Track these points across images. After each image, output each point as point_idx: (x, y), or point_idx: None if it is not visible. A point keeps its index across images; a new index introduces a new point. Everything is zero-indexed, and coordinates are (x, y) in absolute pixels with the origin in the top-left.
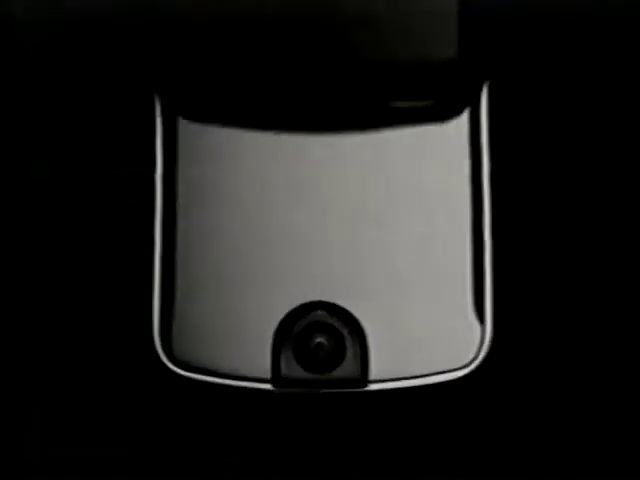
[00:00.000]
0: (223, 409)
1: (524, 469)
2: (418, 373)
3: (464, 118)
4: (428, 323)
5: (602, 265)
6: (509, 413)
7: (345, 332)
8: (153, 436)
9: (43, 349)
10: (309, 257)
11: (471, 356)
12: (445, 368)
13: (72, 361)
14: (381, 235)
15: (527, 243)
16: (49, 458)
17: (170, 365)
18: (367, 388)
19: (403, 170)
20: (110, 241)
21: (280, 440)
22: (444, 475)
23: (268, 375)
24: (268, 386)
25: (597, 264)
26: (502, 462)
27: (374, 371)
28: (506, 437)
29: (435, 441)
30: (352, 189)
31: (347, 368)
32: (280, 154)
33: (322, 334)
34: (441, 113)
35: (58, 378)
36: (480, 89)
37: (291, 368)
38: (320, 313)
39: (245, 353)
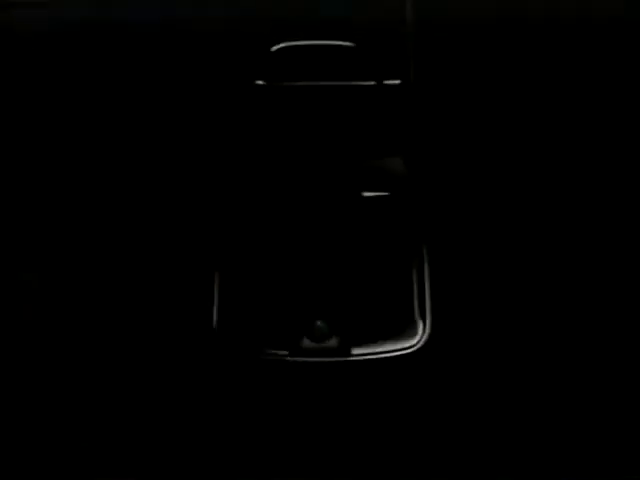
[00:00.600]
0: (254, 376)
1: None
2: (380, 350)
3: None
4: (388, 321)
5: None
6: (445, 379)
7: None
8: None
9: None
10: (315, 281)
11: (415, 341)
12: (397, 347)
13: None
14: (361, 269)
15: (459, 268)
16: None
17: (227, 346)
18: (348, 358)
19: (374, 232)
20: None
21: (291, 390)
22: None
23: (286, 350)
24: (286, 357)
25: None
26: (431, 418)
27: (353, 348)
28: (440, 399)
29: (389, 395)
30: (339, 247)
31: (334, 343)
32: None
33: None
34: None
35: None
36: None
37: (301, 343)
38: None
39: (272, 337)
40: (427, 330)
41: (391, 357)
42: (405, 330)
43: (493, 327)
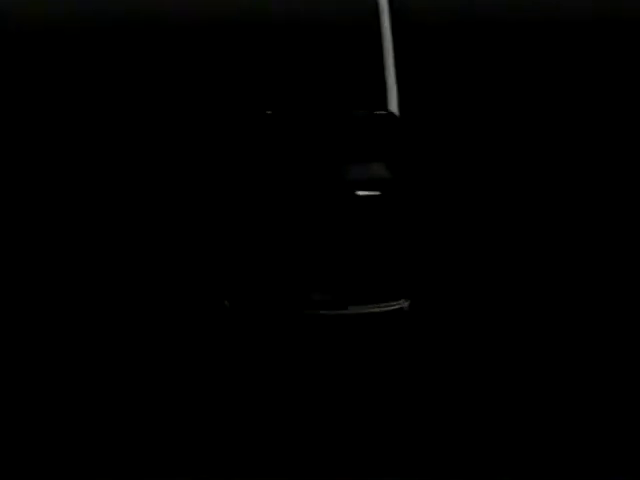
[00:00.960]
0: (267, 332)
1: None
2: (370, 307)
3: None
4: (378, 287)
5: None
6: (423, 334)
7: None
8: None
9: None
10: (321, 256)
11: (400, 302)
12: (384, 304)
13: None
14: (358, 248)
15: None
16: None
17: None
18: (346, 311)
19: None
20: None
21: (301, 339)
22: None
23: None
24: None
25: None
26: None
27: (350, 305)
28: (421, 350)
29: (378, 343)
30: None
31: (333, 300)
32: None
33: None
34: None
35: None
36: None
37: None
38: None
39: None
40: (409, 294)
41: (379, 313)
42: (392, 294)
43: (470, 296)
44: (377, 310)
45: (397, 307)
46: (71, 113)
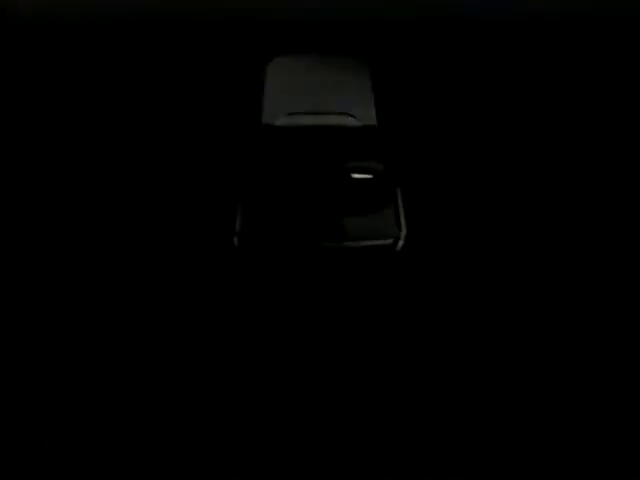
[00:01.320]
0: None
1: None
2: (363, 244)
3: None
4: (372, 231)
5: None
6: (411, 270)
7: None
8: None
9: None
10: (324, 213)
11: (393, 240)
12: (379, 240)
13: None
14: (355, 213)
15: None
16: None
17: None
18: (342, 245)
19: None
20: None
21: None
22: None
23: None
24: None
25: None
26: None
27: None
28: (409, 284)
29: (369, 275)
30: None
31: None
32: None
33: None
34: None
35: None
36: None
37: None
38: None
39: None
40: (402, 234)
41: (372, 248)
42: (384, 236)
43: (456, 242)
44: (370, 244)
45: (389, 244)
46: (74, 110)
